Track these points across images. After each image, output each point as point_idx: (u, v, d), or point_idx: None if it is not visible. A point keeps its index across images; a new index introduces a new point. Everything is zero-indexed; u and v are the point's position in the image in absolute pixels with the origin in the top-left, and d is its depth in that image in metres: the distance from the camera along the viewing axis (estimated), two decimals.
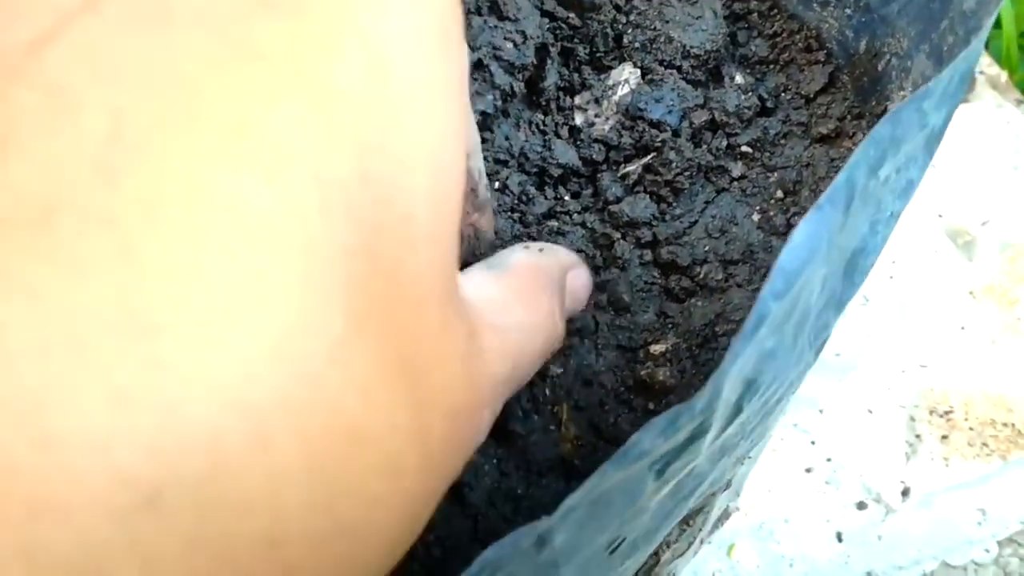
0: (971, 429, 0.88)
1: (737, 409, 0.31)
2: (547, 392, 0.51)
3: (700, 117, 0.57)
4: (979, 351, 0.90)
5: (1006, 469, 0.85)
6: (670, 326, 0.52)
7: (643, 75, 0.59)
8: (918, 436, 0.88)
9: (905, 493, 0.88)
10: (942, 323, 0.91)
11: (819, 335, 0.42)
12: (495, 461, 0.49)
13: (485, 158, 0.60)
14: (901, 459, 0.87)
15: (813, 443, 0.88)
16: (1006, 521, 0.84)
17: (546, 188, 0.60)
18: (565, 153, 0.59)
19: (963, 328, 0.91)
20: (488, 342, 0.26)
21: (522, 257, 0.41)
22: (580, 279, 0.46)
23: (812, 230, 0.29)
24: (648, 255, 0.56)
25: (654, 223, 0.56)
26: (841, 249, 0.36)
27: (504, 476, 0.48)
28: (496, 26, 0.56)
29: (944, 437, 0.88)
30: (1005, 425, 0.87)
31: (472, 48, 0.56)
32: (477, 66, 0.56)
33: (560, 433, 0.49)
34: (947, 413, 0.88)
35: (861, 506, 0.87)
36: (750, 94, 0.58)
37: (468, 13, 0.57)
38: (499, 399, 0.31)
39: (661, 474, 0.29)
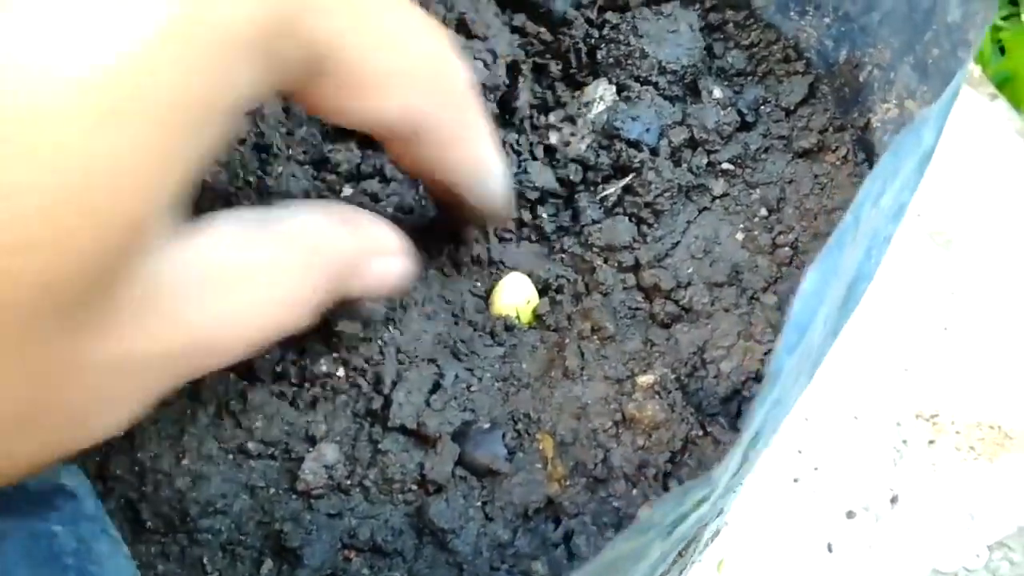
0: (958, 432, 0.87)
1: (743, 460, 0.30)
2: (531, 427, 0.49)
3: (679, 135, 0.56)
4: (963, 352, 0.89)
5: (994, 472, 0.85)
6: (657, 354, 0.50)
7: (619, 92, 0.58)
8: (904, 441, 0.87)
9: (894, 500, 0.87)
10: (924, 325, 0.91)
11: (816, 364, 0.40)
12: (480, 504, 0.47)
13: None
14: (888, 465, 0.87)
15: (799, 452, 0.87)
16: (995, 525, 0.83)
17: (522, 211, 0.58)
18: (541, 175, 0.57)
19: (946, 329, 0.91)
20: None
21: (300, 222, 0.37)
22: (389, 268, 0.43)
23: (822, 276, 0.28)
24: (631, 279, 0.54)
25: (635, 246, 0.55)
26: (842, 282, 0.34)
27: (489, 521, 0.46)
28: (466, 46, 0.54)
29: (931, 442, 0.87)
30: (992, 428, 0.86)
31: None
32: None
33: (547, 472, 0.47)
34: (933, 417, 0.88)
35: (850, 515, 0.87)
36: (729, 109, 0.57)
37: None
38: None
39: (669, 535, 0.28)
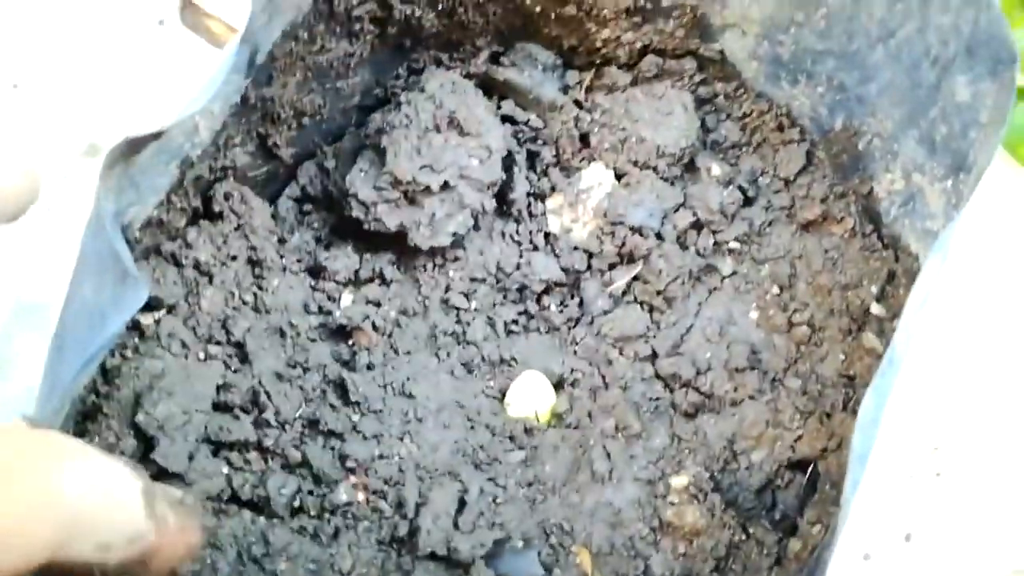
0: (964, 465, 0.87)
1: None
2: (564, 540, 0.47)
3: (683, 218, 0.55)
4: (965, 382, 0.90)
5: (1004, 502, 0.85)
6: (687, 450, 0.49)
7: (617, 177, 0.57)
8: (912, 476, 0.87)
9: (907, 538, 0.87)
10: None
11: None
12: None
13: (460, 278, 0.56)
14: (901, 503, 0.87)
15: None
16: (1010, 557, 0.83)
17: (528, 302, 0.57)
18: (545, 264, 0.56)
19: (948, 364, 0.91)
20: None
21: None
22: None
23: (877, 400, 0.27)
24: (648, 369, 0.53)
25: (649, 334, 0.54)
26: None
27: None
28: (459, 144, 0.53)
29: (938, 475, 0.87)
30: (995, 456, 0.87)
31: (437, 170, 0.53)
32: (444, 187, 0.53)
33: None
34: (936, 450, 0.88)
35: (867, 557, 0.86)
36: (731, 187, 0.57)
37: (427, 131, 0.54)
38: None
39: None
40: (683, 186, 0.58)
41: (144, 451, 0.45)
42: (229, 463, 0.47)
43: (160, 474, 0.44)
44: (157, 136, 0.41)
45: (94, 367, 0.38)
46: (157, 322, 0.48)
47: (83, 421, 0.43)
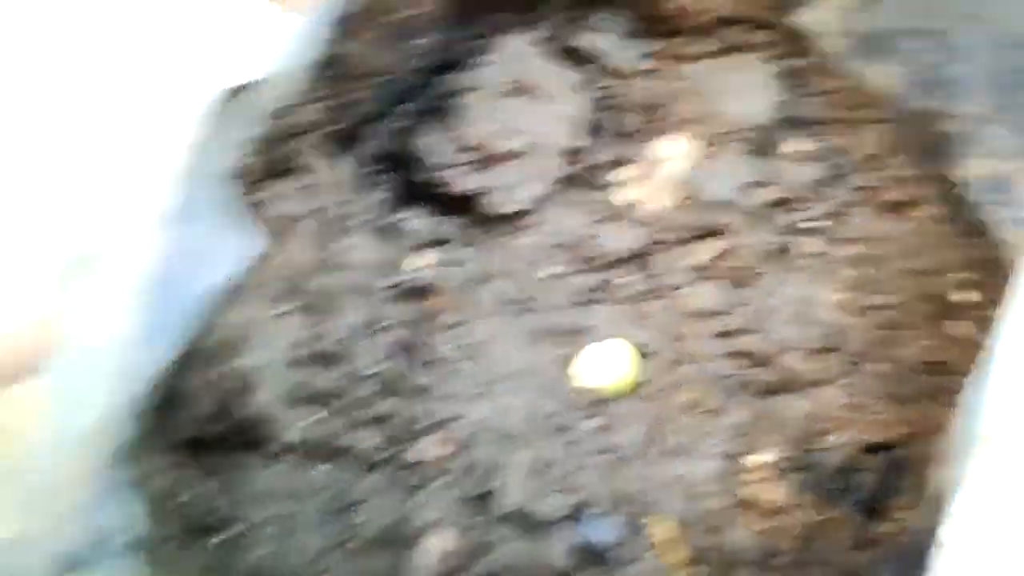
0: None
1: None
2: (641, 509, 0.48)
3: (764, 194, 0.56)
4: None
5: None
6: (765, 430, 0.50)
7: (694, 148, 0.57)
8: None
9: None
10: None
11: None
12: None
13: (532, 245, 0.57)
14: None
15: None
16: None
17: (600, 272, 0.57)
18: (619, 234, 0.57)
19: None
20: None
21: None
22: None
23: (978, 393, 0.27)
24: (725, 346, 0.54)
25: (726, 311, 0.55)
26: None
27: None
28: (533, 109, 0.54)
29: None
30: None
31: (510, 135, 0.53)
32: (517, 153, 0.54)
33: (668, 560, 0.46)
34: None
35: None
36: (813, 164, 0.57)
37: (501, 95, 0.54)
38: None
39: None
40: (764, 161, 0.58)
41: (238, 397, 0.46)
42: (311, 416, 0.48)
43: (252, 422, 0.45)
44: (243, 90, 0.42)
45: (200, 311, 0.39)
46: (247, 273, 0.48)
47: (179, 367, 0.43)
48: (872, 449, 0.51)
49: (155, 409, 0.41)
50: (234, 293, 0.49)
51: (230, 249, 0.41)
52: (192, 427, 0.45)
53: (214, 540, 0.43)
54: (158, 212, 0.40)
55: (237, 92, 0.41)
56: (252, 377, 0.46)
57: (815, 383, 0.53)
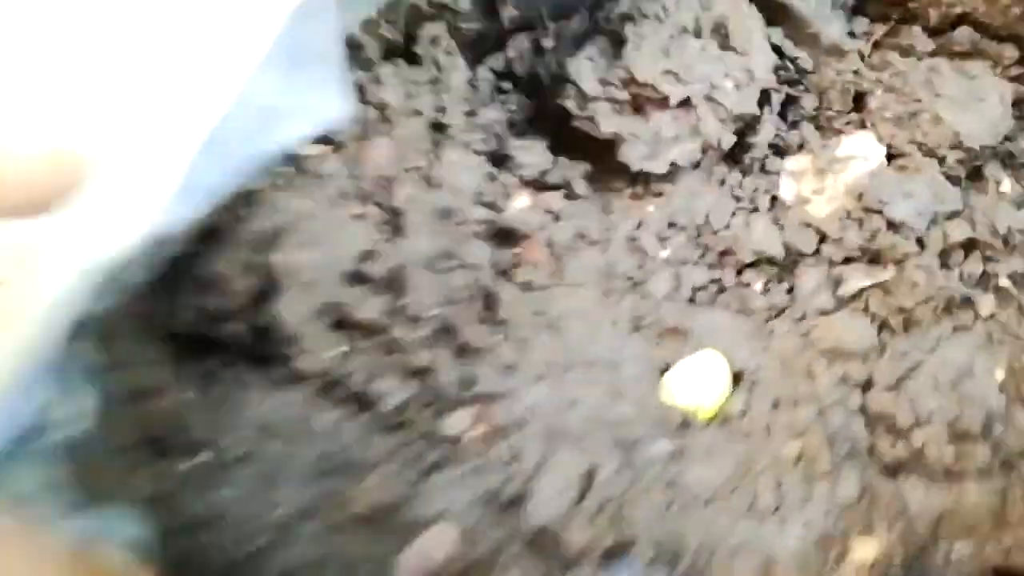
0: None
1: None
2: (700, 568, 0.39)
3: (956, 231, 0.46)
4: None
5: None
6: (880, 516, 0.40)
7: (889, 157, 0.47)
8: None
9: None
10: None
11: None
12: None
13: (659, 217, 0.48)
14: None
15: None
16: None
17: (727, 270, 0.48)
18: (764, 232, 0.48)
19: None
20: None
21: None
22: None
23: None
24: (858, 398, 0.44)
25: (871, 357, 0.45)
26: None
27: None
28: (718, 58, 0.44)
29: None
30: None
31: (682, 81, 0.44)
32: (684, 103, 0.44)
33: None
34: None
35: None
36: (1022, 211, 0.46)
37: (684, 32, 0.45)
38: None
39: None
40: (966, 192, 0.48)
41: (259, 298, 0.38)
42: (339, 346, 0.40)
43: (268, 333, 0.38)
44: None
45: (251, 171, 0.31)
46: (319, 157, 0.41)
47: (203, 242, 0.36)
48: (1001, 574, 0.41)
49: (152, 285, 0.34)
50: (298, 174, 0.42)
51: (311, 118, 0.33)
52: (190, 319, 0.38)
53: (179, 466, 0.36)
54: (243, 50, 0.33)
55: None
56: (286, 279, 0.39)
57: (956, 476, 0.43)
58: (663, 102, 0.45)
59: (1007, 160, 0.50)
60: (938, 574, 0.41)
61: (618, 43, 0.46)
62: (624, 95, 0.46)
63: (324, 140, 0.42)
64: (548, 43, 0.50)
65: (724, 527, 0.42)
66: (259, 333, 0.39)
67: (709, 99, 0.45)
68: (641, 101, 0.45)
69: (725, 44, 0.46)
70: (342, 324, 0.41)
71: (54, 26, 0.29)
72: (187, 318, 0.38)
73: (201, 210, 0.32)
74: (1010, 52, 0.50)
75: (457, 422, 0.42)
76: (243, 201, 0.39)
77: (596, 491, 0.41)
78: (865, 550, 0.40)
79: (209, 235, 0.38)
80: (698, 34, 0.46)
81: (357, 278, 0.42)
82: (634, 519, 0.41)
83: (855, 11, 0.52)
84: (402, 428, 0.41)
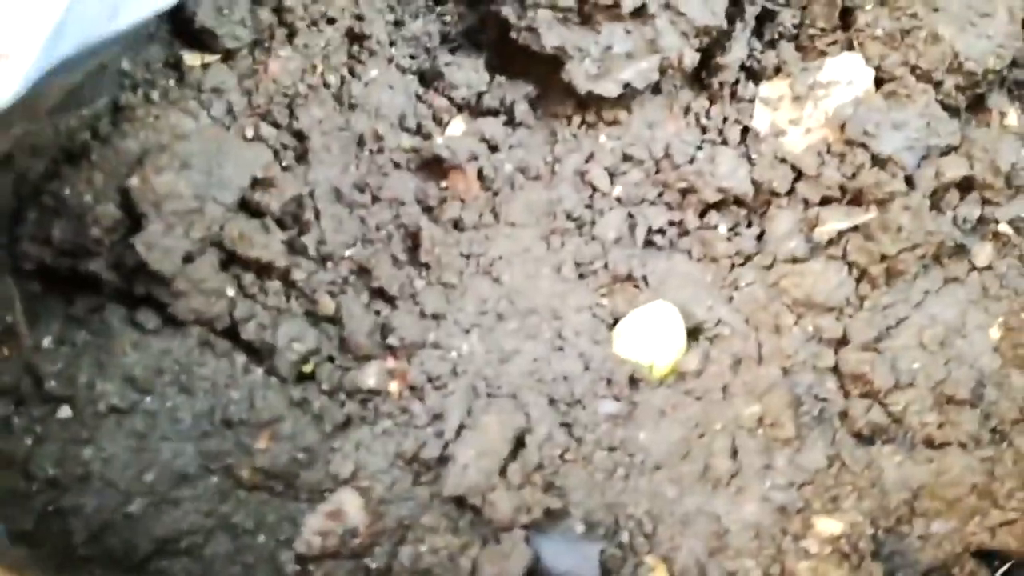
0: None
1: None
2: (641, 542, 0.35)
3: (952, 167, 0.41)
4: None
5: None
6: (849, 486, 0.36)
7: (878, 82, 0.42)
8: None
9: None
10: None
11: None
12: None
13: (612, 149, 0.43)
14: None
15: None
16: None
17: (688, 211, 0.43)
18: (731, 168, 0.42)
19: None
20: None
21: None
22: None
23: None
24: (829, 357, 0.40)
25: (847, 310, 0.40)
26: None
27: None
28: None
29: None
30: None
31: None
32: (639, 12, 0.39)
33: None
34: None
35: None
36: None
37: None
38: None
39: None
40: (966, 124, 0.42)
41: (127, 230, 0.33)
42: (239, 285, 0.36)
43: (140, 271, 0.33)
44: None
45: (91, 65, 0.26)
46: (205, 67, 0.36)
47: (63, 161, 0.31)
48: (982, 555, 0.37)
49: (3, 211, 0.29)
50: (179, 86, 0.36)
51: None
52: (50, 252, 0.34)
53: (33, 422, 0.32)
54: None
55: None
56: (159, 207, 0.34)
57: (936, 443, 0.38)
58: (615, 10, 0.40)
59: (1015, 88, 0.45)
60: (912, 554, 0.36)
61: None
62: (570, 2, 0.40)
63: (211, 47, 0.36)
64: None
65: (672, 496, 0.38)
66: (130, 272, 0.34)
67: (668, 7, 0.40)
68: (590, 9, 0.40)
69: None
70: (231, 262, 0.36)
71: None
72: (39, 251, 0.33)
73: (48, 93, 0.27)
74: None
75: (370, 376, 0.38)
76: (107, 113, 0.33)
77: (527, 455, 0.37)
78: (831, 524, 0.35)
79: (65, 153, 0.33)
80: None
81: (250, 210, 0.37)
82: (570, 486, 0.37)
83: None
84: (304, 382, 0.37)
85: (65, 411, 0.34)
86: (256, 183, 0.37)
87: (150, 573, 0.34)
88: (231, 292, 0.36)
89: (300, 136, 0.39)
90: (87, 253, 0.34)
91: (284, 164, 0.38)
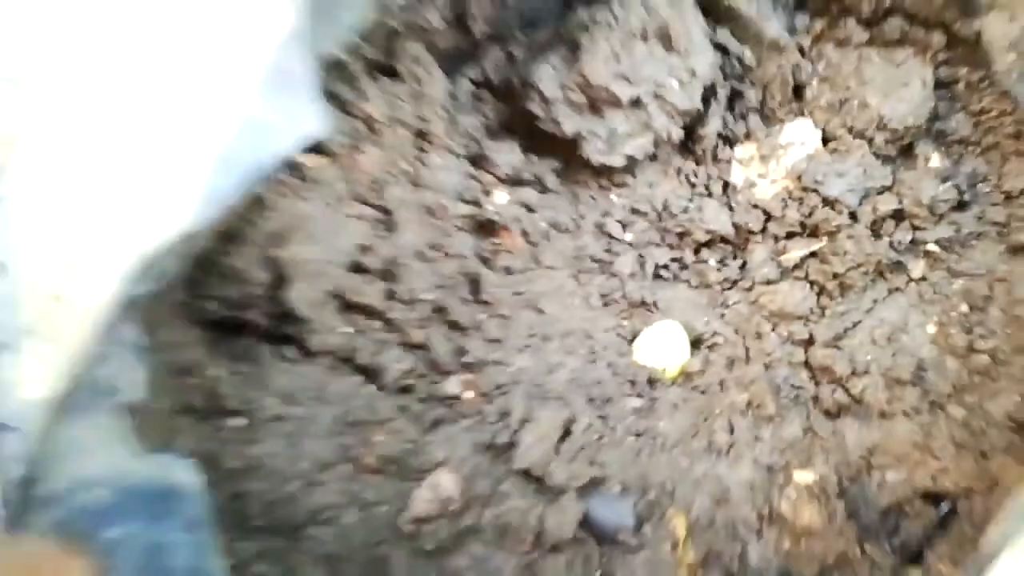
0: None
1: None
2: (664, 499, 0.47)
3: (886, 203, 0.54)
4: None
5: None
6: (819, 449, 0.48)
7: (825, 141, 0.54)
8: None
9: None
10: None
11: None
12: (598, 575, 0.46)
13: (622, 205, 0.55)
14: None
15: None
16: None
17: (686, 251, 0.55)
18: (716, 215, 0.55)
19: None
20: None
21: None
22: None
23: None
24: (799, 355, 0.53)
25: (811, 318, 0.53)
26: None
27: None
28: (663, 59, 0.52)
29: None
30: None
31: (632, 82, 0.51)
32: (635, 103, 0.52)
33: (677, 556, 0.45)
34: None
35: None
36: (946, 184, 0.54)
37: (632, 37, 0.52)
38: None
39: None
40: (895, 169, 0.56)
41: (274, 288, 0.46)
42: (354, 324, 0.48)
43: (285, 317, 0.46)
44: None
45: (255, 181, 0.39)
46: (316, 166, 0.49)
47: (224, 241, 0.44)
48: (927, 496, 0.49)
49: (187, 279, 0.42)
50: (299, 181, 0.49)
51: (298, 131, 0.41)
52: (217, 307, 0.47)
53: (218, 429, 0.45)
54: (242, 77, 0.41)
55: None
56: (297, 270, 0.47)
57: (887, 414, 0.51)
58: (616, 102, 0.53)
59: (939, 137, 0.57)
60: (873, 496, 0.48)
61: (576, 50, 0.54)
62: (581, 98, 0.53)
63: (319, 151, 0.50)
64: (518, 53, 0.58)
65: (685, 465, 0.50)
66: (278, 317, 0.48)
67: (657, 97, 0.53)
68: (597, 102, 0.53)
69: (670, 46, 0.54)
70: (347, 308, 0.49)
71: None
72: (214, 306, 0.46)
73: (218, 211, 0.40)
74: (938, 38, 0.57)
75: (451, 387, 0.50)
76: (254, 206, 0.47)
77: (574, 439, 0.50)
78: (808, 475, 0.48)
79: (227, 235, 0.46)
80: (645, 38, 0.53)
81: (357, 268, 0.50)
82: (607, 461, 0.50)
83: (797, 6, 0.59)
84: (404, 393, 0.49)
85: (239, 421, 0.47)
86: (361, 249, 0.50)
87: (303, 538, 0.46)
88: (349, 329, 0.49)
89: (387, 211, 0.52)
90: (247, 306, 0.47)
91: (378, 233, 0.52)
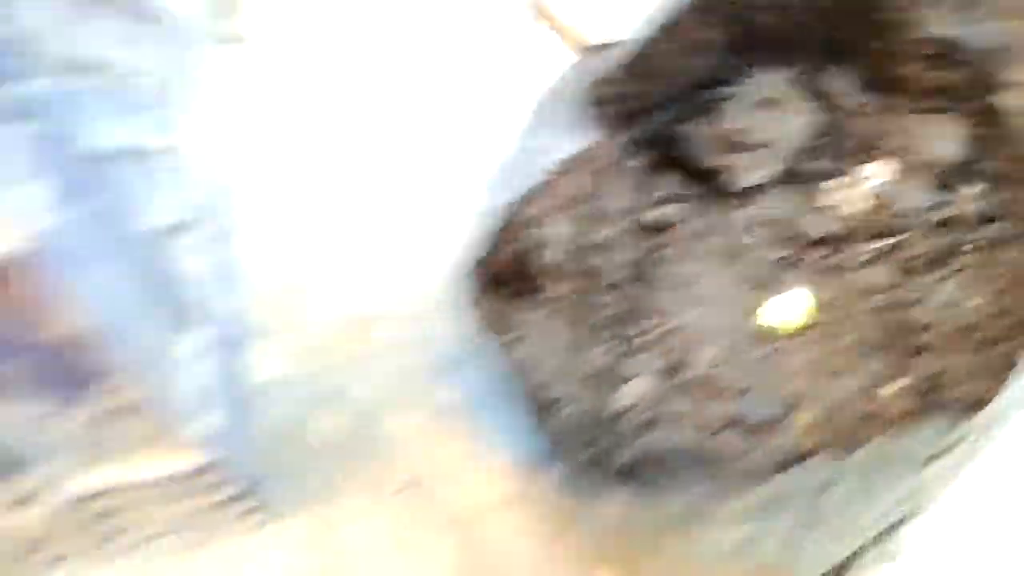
0: None
1: None
2: (793, 401, 0.68)
3: (939, 214, 0.76)
4: None
5: None
6: (902, 374, 0.70)
7: (893, 172, 0.78)
8: None
9: None
10: None
11: None
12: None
13: (751, 216, 0.79)
14: None
15: None
16: None
17: (797, 247, 0.79)
18: (819, 223, 0.79)
19: None
20: None
21: None
22: None
23: None
24: (887, 316, 0.74)
25: (893, 290, 0.75)
26: None
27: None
28: (777, 119, 0.77)
29: None
30: None
31: (754, 132, 0.76)
32: (756, 146, 0.77)
33: (802, 437, 0.67)
34: None
35: None
36: (981, 202, 0.77)
37: (753, 105, 0.77)
38: None
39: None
40: (944, 194, 0.78)
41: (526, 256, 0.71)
42: (576, 280, 0.72)
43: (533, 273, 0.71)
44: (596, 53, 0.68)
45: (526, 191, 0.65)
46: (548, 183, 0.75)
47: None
48: (975, 405, 0.70)
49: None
50: (540, 193, 0.75)
51: (559, 154, 0.67)
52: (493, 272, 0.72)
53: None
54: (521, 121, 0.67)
55: (594, 51, 0.68)
56: (545, 241, 0.71)
57: (949, 351, 0.72)
58: (744, 145, 0.78)
59: (974, 173, 0.81)
60: (940, 404, 0.69)
61: (718, 113, 0.80)
62: (721, 144, 0.78)
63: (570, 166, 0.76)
64: (670, 116, 0.84)
65: (809, 381, 0.71)
66: (533, 274, 0.72)
67: (771, 143, 0.78)
68: (731, 146, 0.78)
69: (780, 111, 0.79)
70: (576, 266, 0.73)
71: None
72: (490, 274, 0.71)
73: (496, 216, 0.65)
74: (968, 107, 0.82)
75: (643, 325, 0.73)
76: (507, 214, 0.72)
77: (729, 361, 0.72)
78: (895, 385, 0.69)
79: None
80: (763, 107, 0.79)
81: (579, 246, 0.74)
82: (753, 380, 0.71)
83: (867, 87, 0.84)
84: (611, 327, 0.73)
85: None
86: (575, 234, 0.75)
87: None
88: (576, 284, 0.74)
89: (591, 213, 0.77)
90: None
91: (585, 224, 0.77)
